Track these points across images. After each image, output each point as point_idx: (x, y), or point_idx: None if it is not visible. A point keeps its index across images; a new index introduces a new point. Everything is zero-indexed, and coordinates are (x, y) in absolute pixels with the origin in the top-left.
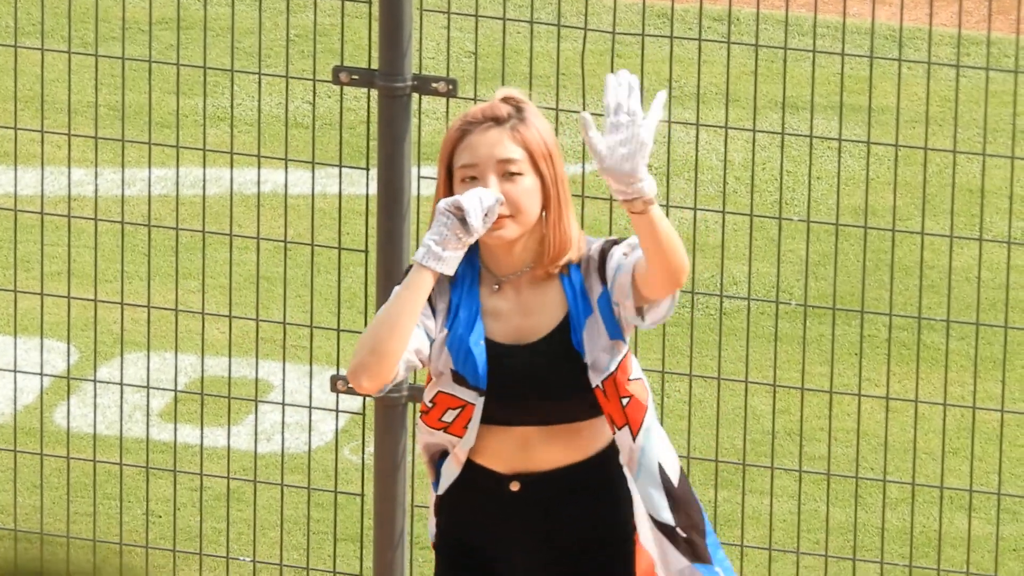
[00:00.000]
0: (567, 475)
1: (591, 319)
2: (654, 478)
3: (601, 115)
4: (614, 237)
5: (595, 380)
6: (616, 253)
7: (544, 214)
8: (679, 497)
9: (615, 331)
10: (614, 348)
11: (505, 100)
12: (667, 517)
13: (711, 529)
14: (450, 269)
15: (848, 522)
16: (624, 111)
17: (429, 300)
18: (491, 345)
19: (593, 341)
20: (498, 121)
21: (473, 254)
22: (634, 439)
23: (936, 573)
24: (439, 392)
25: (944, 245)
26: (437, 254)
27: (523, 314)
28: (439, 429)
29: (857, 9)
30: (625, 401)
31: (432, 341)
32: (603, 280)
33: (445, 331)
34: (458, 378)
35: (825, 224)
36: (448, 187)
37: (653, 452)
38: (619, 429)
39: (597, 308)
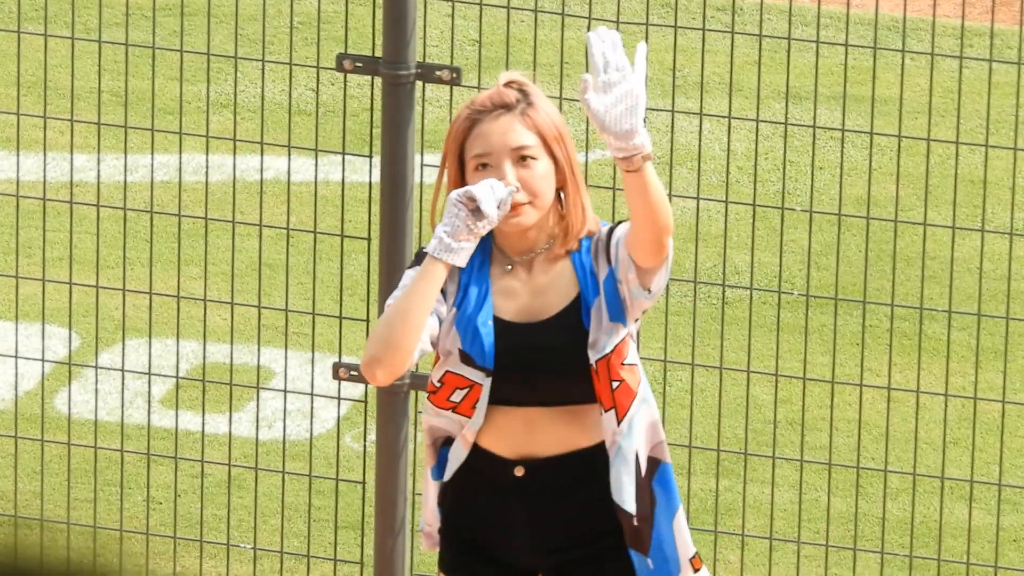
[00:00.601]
0: (569, 462)
1: (597, 300)
2: (628, 466)
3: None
4: (622, 220)
5: (592, 359)
6: (619, 230)
7: (562, 195)
8: (640, 486)
9: (616, 313)
10: (613, 330)
11: (509, 85)
12: (630, 506)
13: (665, 519)
14: (462, 261)
15: (849, 512)
16: (613, 67)
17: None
18: (501, 323)
19: (597, 322)
20: (507, 108)
21: (485, 235)
22: (618, 424)
23: (936, 563)
24: (447, 372)
25: (946, 236)
26: (449, 246)
27: (535, 293)
28: (447, 409)
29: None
30: (615, 384)
31: (442, 323)
32: (608, 260)
33: (454, 310)
34: (465, 358)
35: (827, 214)
36: (460, 176)
37: (633, 441)
38: (605, 412)
39: (603, 289)
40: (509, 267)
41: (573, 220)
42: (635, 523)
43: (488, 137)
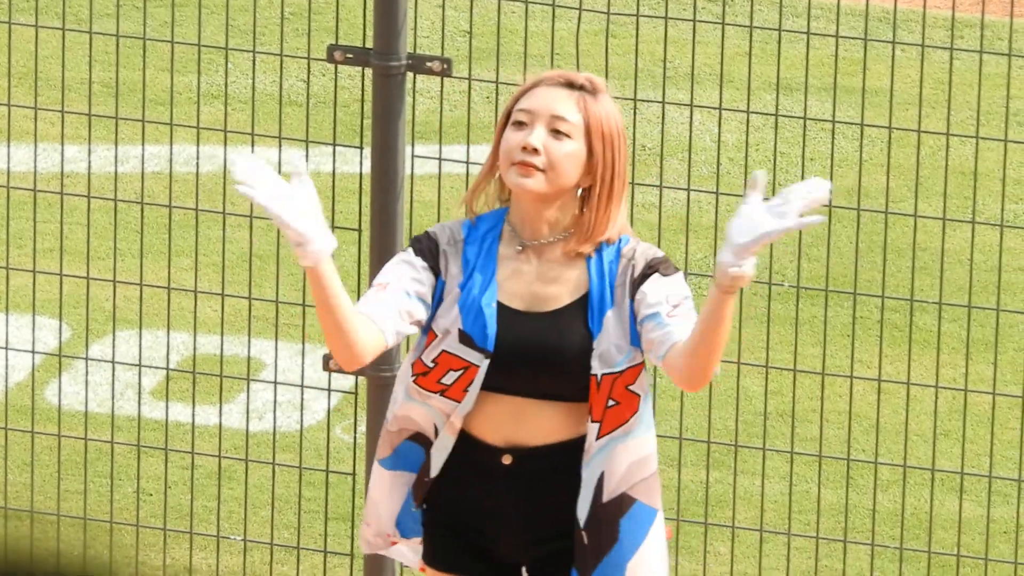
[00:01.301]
0: (557, 451)
1: (613, 312)
2: (591, 481)
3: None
4: (662, 256)
5: (597, 369)
6: (658, 290)
7: (587, 193)
8: (600, 513)
9: (636, 338)
10: (631, 352)
11: (586, 79)
12: (581, 517)
13: (618, 563)
14: (318, 246)
15: (839, 503)
16: (787, 202)
17: (433, 264)
18: (504, 309)
19: (609, 332)
20: (571, 85)
21: (501, 214)
22: (596, 439)
23: (927, 555)
24: (443, 352)
25: (937, 227)
26: (297, 244)
27: (542, 281)
28: (435, 392)
29: None
30: (611, 403)
31: (432, 303)
32: (632, 297)
33: (457, 290)
34: (465, 338)
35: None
36: (501, 133)
37: (602, 461)
38: (592, 422)
39: (626, 309)
40: (519, 248)
41: (592, 222)
42: (584, 540)
43: (538, 98)
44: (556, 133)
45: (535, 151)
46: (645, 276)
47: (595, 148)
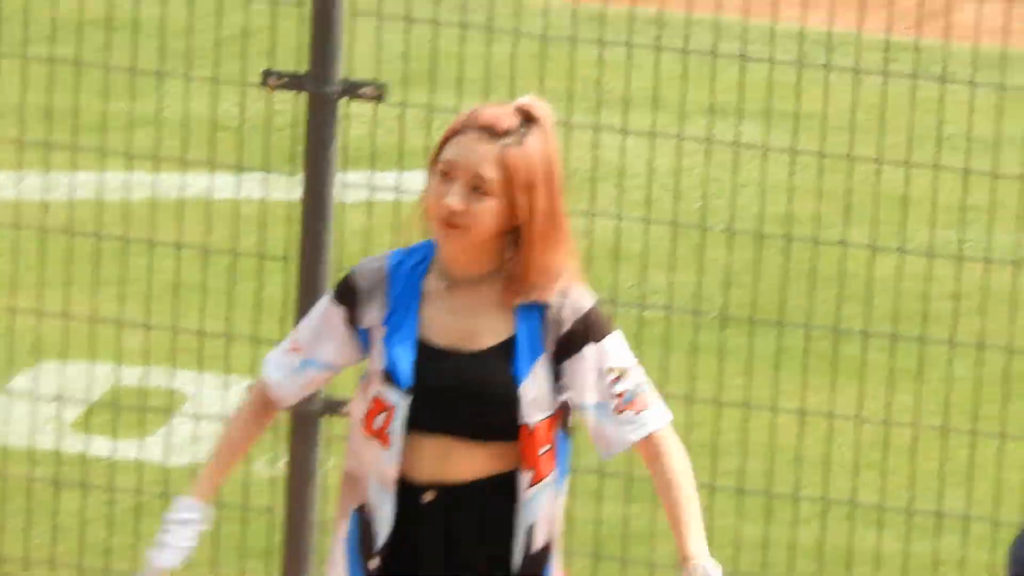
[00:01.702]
0: (483, 486)
1: (541, 361)
2: (521, 531)
3: None
4: (591, 308)
5: (529, 418)
6: (592, 368)
7: (517, 241)
8: (531, 564)
9: (557, 393)
10: (555, 399)
11: (520, 110)
12: (516, 563)
13: None
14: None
15: (759, 538)
16: None
17: (352, 314)
18: (425, 347)
19: (538, 379)
20: (494, 135)
21: (431, 245)
22: (529, 487)
23: None
24: (373, 396)
25: (866, 255)
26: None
27: (468, 320)
28: (373, 437)
29: (787, 14)
30: (543, 450)
31: (363, 347)
32: (558, 358)
33: (383, 328)
34: (387, 377)
35: (747, 234)
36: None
37: (534, 511)
38: (525, 470)
39: (551, 364)
40: (446, 284)
41: (521, 271)
42: None
43: (459, 150)
44: (475, 189)
45: (455, 212)
46: (573, 342)
47: (518, 201)
